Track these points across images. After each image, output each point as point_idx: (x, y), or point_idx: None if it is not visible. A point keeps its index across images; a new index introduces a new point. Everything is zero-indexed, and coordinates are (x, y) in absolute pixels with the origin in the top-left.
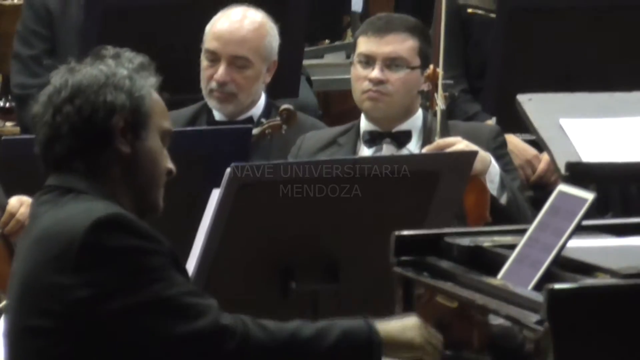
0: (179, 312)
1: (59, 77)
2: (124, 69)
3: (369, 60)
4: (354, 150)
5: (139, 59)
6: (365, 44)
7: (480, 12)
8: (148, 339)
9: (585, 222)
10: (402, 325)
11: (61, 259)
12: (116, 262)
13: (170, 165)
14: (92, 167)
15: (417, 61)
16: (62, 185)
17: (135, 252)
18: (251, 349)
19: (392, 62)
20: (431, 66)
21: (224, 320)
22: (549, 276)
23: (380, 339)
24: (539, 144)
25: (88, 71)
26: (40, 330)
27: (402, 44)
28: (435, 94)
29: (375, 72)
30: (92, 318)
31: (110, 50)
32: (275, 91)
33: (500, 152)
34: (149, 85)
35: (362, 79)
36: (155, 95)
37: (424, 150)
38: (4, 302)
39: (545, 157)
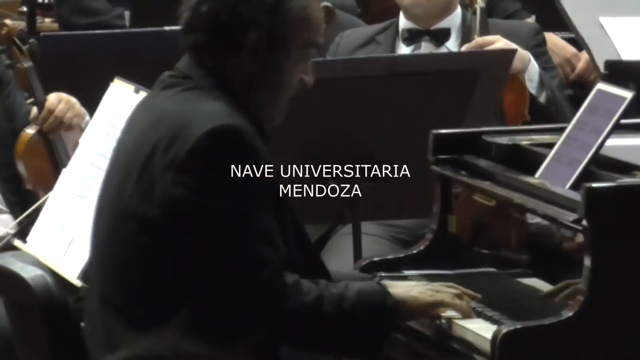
0: (243, 252)
1: None
2: None
3: None
4: (393, 48)
5: None
6: None
7: None
8: (209, 260)
9: (624, 121)
10: (409, 285)
11: (171, 152)
12: (216, 176)
13: (307, 77)
14: (219, 67)
15: None
16: (190, 75)
17: (239, 172)
18: (279, 316)
19: None
20: None
21: (281, 280)
22: (587, 175)
23: (394, 299)
24: (578, 42)
25: None
26: (140, 215)
27: None
28: None
29: None
30: (176, 217)
31: None
32: None
33: (539, 50)
34: (301, 6)
35: None
36: (309, 10)
37: (463, 49)
38: (45, 197)
39: (584, 55)
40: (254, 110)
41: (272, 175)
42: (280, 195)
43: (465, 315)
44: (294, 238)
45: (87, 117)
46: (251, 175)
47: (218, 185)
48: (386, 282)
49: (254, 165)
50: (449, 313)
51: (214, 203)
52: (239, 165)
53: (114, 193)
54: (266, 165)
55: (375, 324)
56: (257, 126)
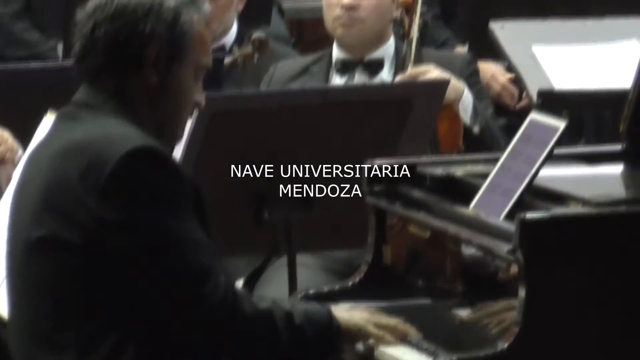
0: (185, 265)
1: None
2: (172, 0)
3: None
4: (326, 78)
5: None
6: None
7: None
8: (149, 282)
9: (558, 151)
10: (351, 312)
11: (90, 179)
12: (143, 195)
13: (199, 99)
14: (120, 88)
15: None
16: (90, 103)
17: (163, 189)
18: (237, 321)
19: None
20: None
21: (232, 287)
22: (521, 205)
23: (338, 322)
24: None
25: None
26: (62, 240)
27: None
28: (413, 23)
29: None
30: (107, 240)
31: None
32: (248, 19)
33: (473, 80)
34: (195, 20)
35: (333, 5)
36: (200, 29)
37: (397, 79)
38: None
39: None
40: (157, 130)
41: (194, 189)
42: (204, 209)
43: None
44: None
45: (21, 151)
46: (175, 190)
47: (144, 205)
48: (330, 306)
49: (175, 181)
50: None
51: (142, 222)
52: (162, 182)
53: (27, 225)
54: (187, 180)
55: (321, 344)
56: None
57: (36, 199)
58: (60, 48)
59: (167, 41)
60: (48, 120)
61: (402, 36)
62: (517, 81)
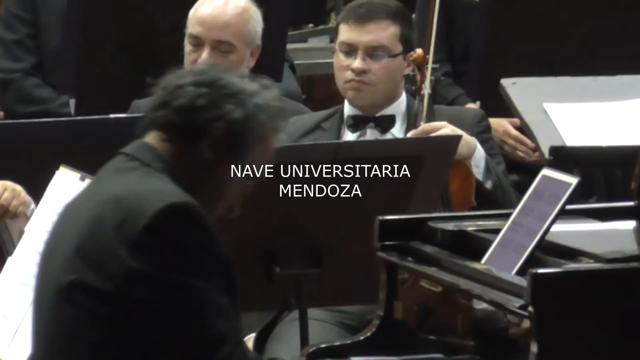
0: (204, 328)
1: (210, 67)
2: (260, 99)
3: (350, 49)
4: (338, 135)
5: (280, 103)
6: (346, 33)
7: None
8: (167, 339)
9: (569, 207)
10: None
11: (125, 230)
12: (174, 252)
13: (236, 206)
14: (173, 150)
15: (399, 48)
16: (138, 157)
17: (195, 248)
18: None
19: (373, 51)
20: (418, 50)
21: (243, 354)
22: (533, 261)
23: None
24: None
25: (233, 78)
26: (91, 287)
27: (384, 32)
28: (424, 79)
29: (357, 63)
30: (133, 291)
31: (264, 80)
32: (259, 76)
33: (485, 136)
34: (269, 127)
35: (344, 68)
36: (269, 139)
37: (409, 135)
38: None
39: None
40: None
41: (225, 255)
42: (233, 276)
43: None
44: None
45: (33, 205)
46: (207, 252)
47: (174, 262)
48: None
49: (209, 242)
50: None
51: (169, 279)
52: (195, 242)
53: (59, 270)
54: (220, 243)
55: None
56: None
57: (70, 246)
58: (72, 104)
59: (237, 129)
60: (60, 176)
61: (414, 92)
62: (528, 137)
